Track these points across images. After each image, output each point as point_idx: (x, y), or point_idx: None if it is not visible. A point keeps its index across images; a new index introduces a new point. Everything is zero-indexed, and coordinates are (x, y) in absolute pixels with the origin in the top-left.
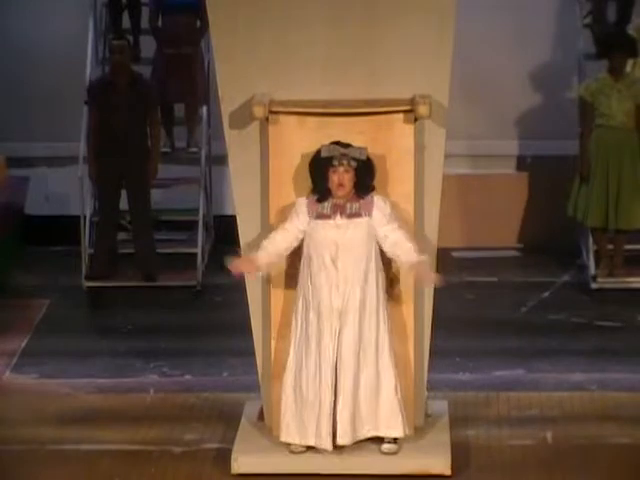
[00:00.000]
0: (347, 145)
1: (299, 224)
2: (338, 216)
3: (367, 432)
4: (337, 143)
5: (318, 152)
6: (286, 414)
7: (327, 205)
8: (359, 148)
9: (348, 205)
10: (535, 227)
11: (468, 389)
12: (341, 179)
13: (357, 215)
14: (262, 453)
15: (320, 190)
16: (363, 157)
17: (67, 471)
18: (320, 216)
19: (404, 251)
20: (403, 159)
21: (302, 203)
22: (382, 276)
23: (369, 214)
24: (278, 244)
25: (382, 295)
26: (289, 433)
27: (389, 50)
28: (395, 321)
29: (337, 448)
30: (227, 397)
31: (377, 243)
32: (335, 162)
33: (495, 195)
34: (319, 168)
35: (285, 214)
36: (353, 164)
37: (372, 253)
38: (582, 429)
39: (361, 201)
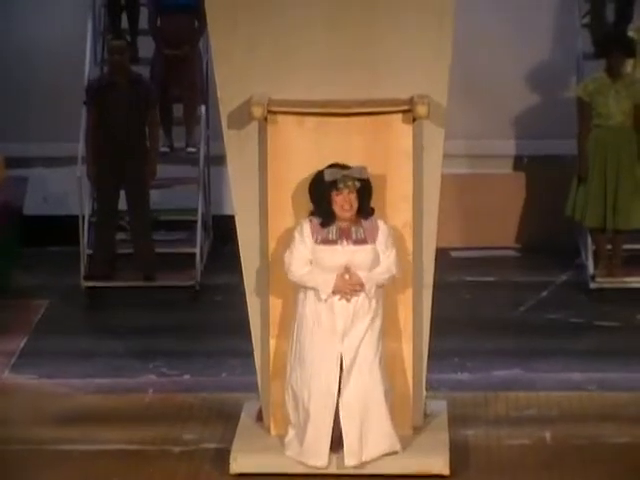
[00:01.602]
0: (346, 166)
1: (308, 253)
2: (345, 242)
3: (373, 452)
4: (336, 165)
5: (318, 176)
6: (290, 430)
7: (333, 230)
8: (359, 168)
9: (353, 229)
10: (533, 227)
11: (467, 389)
12: (347, 201)
13: (364, 242)
14: (261, 453)
15: (324, 214)
16: (365, 176)
17: (66, 471)
18: (326, 241)
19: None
20: (402, 159)
21: (306, 227)
22: (383, 301)
23: (374, 240)
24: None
25: (381, 312)
26: (295, 450)
27: (388, 50)
28: (394, 321)
29: (335, 447)
30: (226, 397)
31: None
32: (340, 185)
33: (493, 195)
34: (322, 192)
35: (283, 215)
36: (357, 185)
37: None
38: (581, 429)
39: (364, 225)
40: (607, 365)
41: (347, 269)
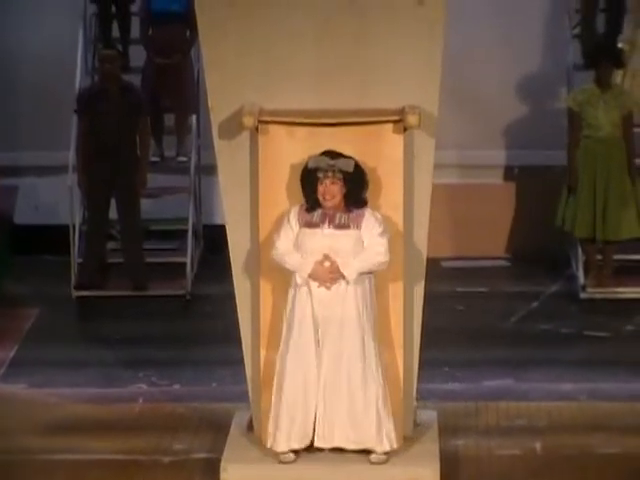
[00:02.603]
0: (337, 155)
1: (294, 236)
2: (326, 225)
3: (349, 443)
4: (328, 153)
5: (306, 163)
6: (273, 422)
7: (316, 214)
8: (347, 159)
9: (337, 215)
10: (524, 237)
11: (457, 399)
12: (327, 190)
13: (345, 227)
14: (251, 463)
15: (310, 201)
16: (349, 169)
17: None
18: (309, 224)
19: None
20: (392, 169)
21: (294, 211)
22: (369, 288)
23: (358, 227)
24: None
25: (369, 307)
26: (276, 441)
27: (379, 60)
28: (384, 331)
29: (325, 457)
30: (216, 407)
31: None
32: (320, 174)
33: (484, 205)
34: (308, 179)
35: (276, 224)
36: (339, 175)
37: None
38: (571, 439)
39: (351, 214)
40: (597, 375)
41: (326, 256)
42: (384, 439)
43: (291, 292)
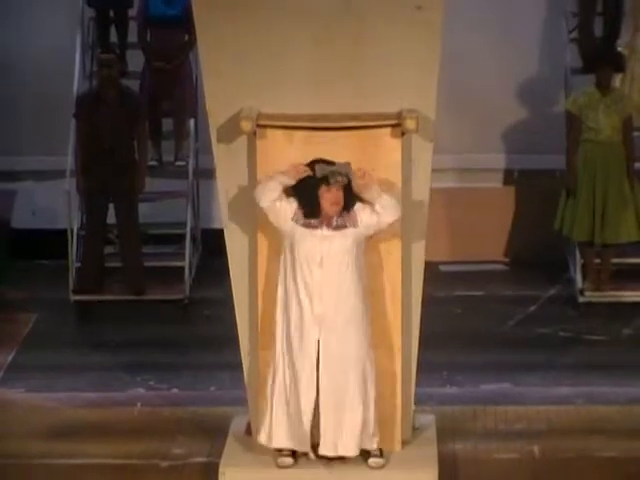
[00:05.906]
0: (330, 162)
1: (289, 214)
2: (325, 227)
3: (349, 450)
4: (320, 161)
5: (314, 172)
6: (269, 422)
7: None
8: (344, 164)
9: (334, 219)
10: (522, 241)
11: (455, 403)
12: (336, 197)
13: (343, 227)
14: (249, 467)
15: (311, 210)
16: (350, 173)
17: None
18: (307, 225)
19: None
20: (390, 173)
21: (294, 205)
22: (364, 287)
23: (354, 224)
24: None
25: (366, 306)
26: (272, 439)
27: (376, 64)
28: (382, 335)
29: (324, 461)
30: (214, 411)
31: (362, 255)
32: (332, 180)
33: (482, 209)
34: (310, 188)
35: (272, 228)
36: (345, 181)
37: (357, 264)
38: (569, 442)
39: (345, 215)
40: (595, 379)
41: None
42: (374, 437)
43: (285, 290)
